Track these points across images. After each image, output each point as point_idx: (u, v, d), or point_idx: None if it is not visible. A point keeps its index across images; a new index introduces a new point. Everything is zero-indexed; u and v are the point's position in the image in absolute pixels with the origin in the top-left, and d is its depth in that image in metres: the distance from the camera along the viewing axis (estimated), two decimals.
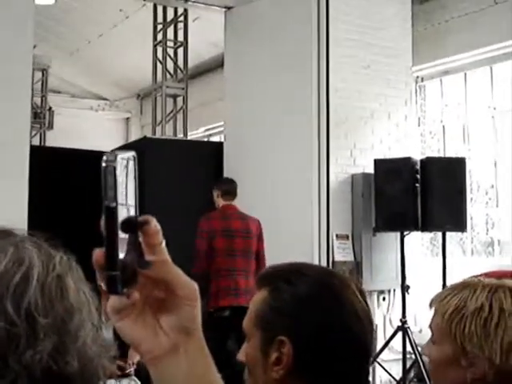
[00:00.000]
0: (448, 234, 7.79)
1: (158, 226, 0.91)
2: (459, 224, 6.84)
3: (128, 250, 0.87)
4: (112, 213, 0.85)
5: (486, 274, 2.23)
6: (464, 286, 1.66)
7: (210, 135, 12.01)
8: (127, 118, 14.00)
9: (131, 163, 0.90)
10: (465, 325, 1.59)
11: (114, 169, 0.85)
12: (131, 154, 0.91)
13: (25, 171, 6.67)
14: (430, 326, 1.73)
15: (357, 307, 1.52)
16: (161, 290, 0.91)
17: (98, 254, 0.86)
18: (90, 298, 1.08)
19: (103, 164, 0.84)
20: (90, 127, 12.86)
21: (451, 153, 8.46)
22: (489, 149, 7.88)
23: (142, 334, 0.92)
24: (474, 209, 8.26)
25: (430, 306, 1.73)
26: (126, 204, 0.88)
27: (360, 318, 1.52)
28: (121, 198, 0.86)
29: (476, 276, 1.82)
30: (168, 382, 0.93)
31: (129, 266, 0.87)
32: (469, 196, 8.23)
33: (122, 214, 0.86)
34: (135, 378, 5.31)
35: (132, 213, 0.89)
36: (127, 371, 5.30)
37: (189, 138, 10.39)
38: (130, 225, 0.88)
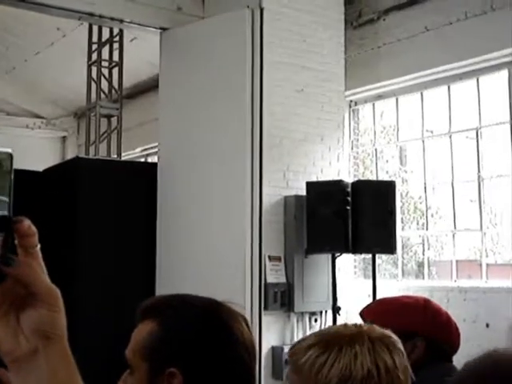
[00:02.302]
0: (384, 255, 7.93)
1: (34, 229, 0.93)
2: (388, 246, 6.94)
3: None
4: None
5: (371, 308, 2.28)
6: (339, 348, 1.55)
7: (148, 155, 11.97)
8: (64, 137, 13.85)
9: (7, 162, 0.93)
10: None
11: None
12: (6, 152, 0.94)
13: None
14: None
15: (245, 337, 1.52)
16: (21, 291, 0.91)
17: None
18: None
19: None
20: (25, 145, 12.66)
21: (386, 175, 8.61)
22: (424, 171, 8.02)
23: (2, 335, 0.91)
24: (410, 230, 8.40)
25: (292, 365, 1.62)
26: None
27: (247, 347, 1.52)
28: None
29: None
30: None
31: None
32: (405, 218, 8.37)
33: None
34: None
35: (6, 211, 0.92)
36: None
37: (125, 157, 10.34)
38: (2, 222, 0.90)
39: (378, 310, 2.03)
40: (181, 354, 1.45)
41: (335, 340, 1.58)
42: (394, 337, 1.63)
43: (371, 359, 1.52)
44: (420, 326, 2.24)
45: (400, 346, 1.62)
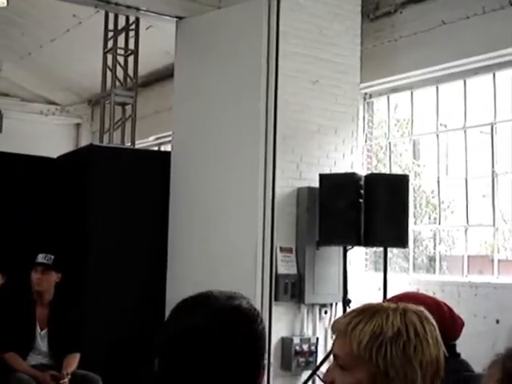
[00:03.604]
0: (395, 249, 7.92)
1: None
2: (401, 240, 6.92)
3: None
4: None
5: (395, 297, 2.28)
6: (373, 311, 1.71)
7: (161, 144, 11.98)
8: (78, 124, 13.88)
9: None
10: (385, 350, 1.64)
11: None
12: None
13: None
14: (335, 353, 1.76)
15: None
16: None
17: None
18: None
19: None
20: (40, 132, 12.73)
21: (399, 169, 8.59)
22: (438, 165, 7.99)
23: None
24: (422, 225, 8.38)
25: (334, 331, 1.77)
26: None
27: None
28: None
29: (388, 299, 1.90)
30: None
31: None
32: (417, 212, 8.35)
33: None
34: None
35: None
36: (61, 382, 5.26)
37: (139, 146, 10.35)
38: None
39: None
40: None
41: (371, 308, 1.75)
42: (427, 313, 1.75)
43: (401, 320, 1.67)
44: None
45: (432, 320, 1.73)
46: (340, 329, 1.73)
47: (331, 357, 1.79)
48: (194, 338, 1.59)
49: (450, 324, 2.34)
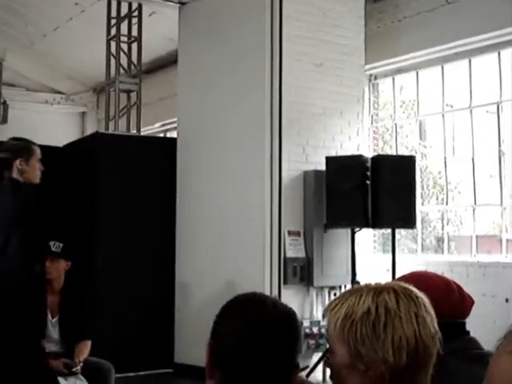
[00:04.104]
0: (403, 230, 7.91)
1: None
2: (408, 221, 6.92)
3: None
4: None
5: (403, 277, 2.29)
6: (351, 292, 1.74)
7: (167, 130, 11.97)
8: (83, 113, 13.89)
9: None
10: (355, 329, 1.66)
11: None
12: None
13: None
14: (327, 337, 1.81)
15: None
16: None
17: None
18: None
19: None
20: (45, 121, 12.73)
21: (406, 150, 8.57)
22: (445, 146, 7.97)
23: None
24: (429, 205, 8.38)
25: (323, 316, 1.82)
26: None
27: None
28: None
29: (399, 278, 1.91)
30: None
31: None
32: (424, 193, 8.35)
33: None
34: (81, 377, 5.29)
35: None
36: (74, 369, 5.28)
37: (144, 133, 10.35)
38: None
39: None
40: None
41: (350, 291, 1.78)
42: (418, 293, 1.74)
43: (373, 299, 1.68)
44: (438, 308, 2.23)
45: (423, 301, 1.72)
46: (325, 310, 1.78)
47: None
48: (256, 340, 1.70)
49: (460, 302, 2.35)
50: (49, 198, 8.18)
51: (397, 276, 6.62)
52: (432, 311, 1.72)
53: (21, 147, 4.82)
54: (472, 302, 2.39)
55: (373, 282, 1.79)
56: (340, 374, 1.72)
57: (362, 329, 1.65)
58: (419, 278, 2.30)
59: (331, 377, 1.79)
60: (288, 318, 1.78)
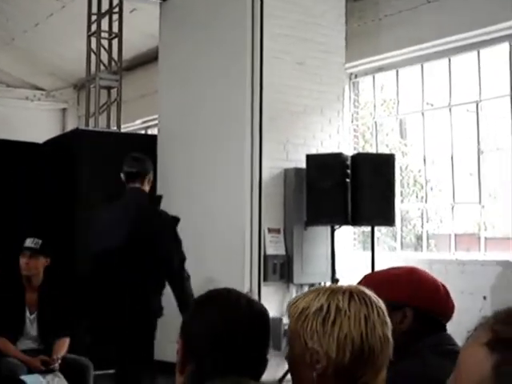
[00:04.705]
0: (383, 228, 7.94)
1: None
2: (388, 218, 6.96)
3: None
4: None
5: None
6: (312, 290, 1.85)
7: (148, 127, 11.95)
8: (64, 109, 13.82)
9: None
10: (307, 324, 1.75)
11: None
12: None
13: None
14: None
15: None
16: None
17: None
18: None
19: None
20: (26, 117, 12.67)
21: (386, 148, 8.60)
22: (424, 144, 8.01)
23: None
24: (409, 203, 8.42)
25: (287, 311, 1.89)
26: None
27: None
28: None
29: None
30: None
31: None
32: (404, 191, 8.39)
33: None
34: (59, 374, 5.28)
35: None
36: (52, 366, 5.26)
37: (125, 130, 10.33)
38: None
39: (364, 285, 2.06)
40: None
41: (311, 290, 1.87)
42: (375, 298, 1.81)
43: (327, 298, 1.77)
44: (406, 295, 2.27)
45: (378, 306, 1.79)
46: (288, 306, 1.87)
47: None
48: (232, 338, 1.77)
49: (444, 302, 2.39)
50: (28, 194, 8.15)
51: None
52: (387, 318, 1.79)
53: None
54: (453, 308, 2.43)
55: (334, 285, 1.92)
56: (294, 366, 1.82)
57: (313, 324, 1.74)
58: (410, 272, 2.36)
59: (289, 369, 1.87)
60: (262, 314, 1.90)
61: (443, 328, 2.39)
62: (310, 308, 1.76)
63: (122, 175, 5.33)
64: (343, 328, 1.72)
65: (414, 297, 2.29)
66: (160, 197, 5.51)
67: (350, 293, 1.78)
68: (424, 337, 2.25)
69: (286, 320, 7.25)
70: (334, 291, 1.79)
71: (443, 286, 2.42)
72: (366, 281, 2.25)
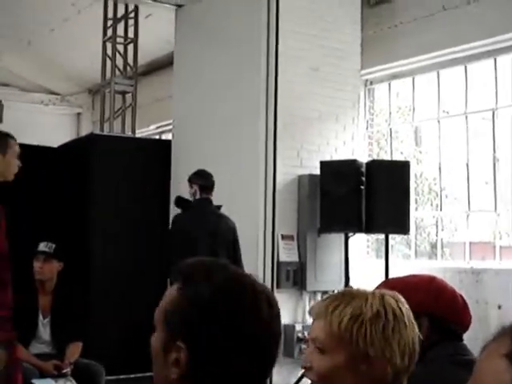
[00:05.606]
0: (397, 235, 7.89)
1: None
2: (402, 226, 6.91)
3: None
4: None
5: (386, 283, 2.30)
6: (352, 295, 1.77)
7: (162, 132, 11.95)
8: (78, 113, 13.87)
9: None
10: (365, 330, 1.69)
11: None
12: None
13: None
14: (313, 336, 1.80)
15: (264, 317, 1.50)
16: None
17: None
18: None
19: None
20: (40, 122, 12.71)
21: (401, 156, 8.55)
22: (440, 152, 7.96)
23: None
24: (424, 211, 8.36)
25: (312, 314, 1.83)
26: None
27: (265, 329, 1.50)
28: None
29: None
30: None
31: None
32: (418, 198, 8.33)
33: None
34: (71, 378, 5.27)
35: None
36: (64, 371, 5.26)
37: (139, 135, 10.33)
38: None
39: None
40: (189, 330, 1.44)
41: (350, 293, 1.81)
42: (401, 297, 1.81)
43: (380, 303, 1.73)
44: (423, 304, 2.24)
45: (406, 304, 1.79)
46: (319, 311, 1.78)
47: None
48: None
49: (462, 311, 2.37)
50: (42, 197, 8.17)
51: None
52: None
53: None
54: (471, 319, 2.41)
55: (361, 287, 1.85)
56: (332, 376, 1.73)
57: (372, 330, 1.69)
58: (428, 280, 2.34)
59: (314, 382, 1.80)
60: (279, 316, 1.61)
61: (459, 338, 2.36)
62: (365, 313, 1.71)
63: (193, 186, 6.46)
64: (402, 334, 1.71)
65: (432, 305, 2.27)
66: (221, 206, 6.59)
67: (394, 298, 1.77)
68: (440, 346, 2.23)
69: (298, 327, 7.23)
70: (381, 296, 1.76)
71: (461, 296, 2.40)
72: (385, 287, 2.22)
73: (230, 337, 1.45)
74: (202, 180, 6.45)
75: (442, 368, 2.16)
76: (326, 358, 1.74)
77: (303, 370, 1.87)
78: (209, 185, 6.46)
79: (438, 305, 2.29)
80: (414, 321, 1.77)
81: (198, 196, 6.42)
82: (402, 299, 1.79)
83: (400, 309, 1.74)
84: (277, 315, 1.57)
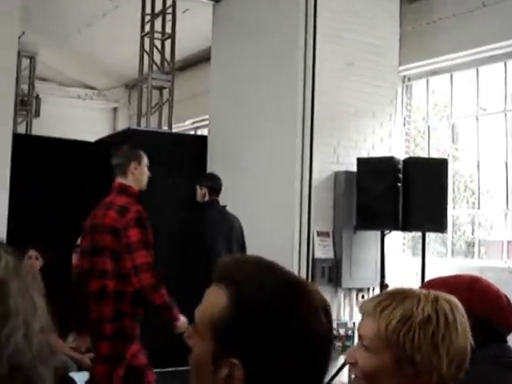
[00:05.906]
0: (432, 233, 7.83)
1: None
2: (439, 224, 6.85)
3: None
4: None
5: (429, 283, 2.27)
6: (404, 295, 1.71)
7: (198, 128, 11.99)
8: (115, 108, 13.96)
9: None
10: (413, 335, 1.64)
11: None
12: None
13: (7, 159, 6.66)
14: (361, 333, 1.76)
15: (323, 329, 1.36)
16: None
17: None
18: (37, 304, 1.08)
19: None
20: (77, 116, 12.82)
21: (437, 153, 8.48)
22: (477, 149, 7.88)
23: None
24: (460, 209, 8.29)
25: (362, 311, 1.77)
26: None
27: (323, 342, 1.37)
28: None
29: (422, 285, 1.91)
30: None
31: None
32: (455, 196, 8.26)
33: None
34: None
35: None
36: None
37: (175, 130, 10.37)
38: None
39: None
40: (243, 343, 1.28)
41: (402, 292, 1.74)
42: (457, 302, 1.74)
43: (432, 307, 1.66)
44: (467, 305, 2.21)
45: (462, 310, 1.73)
46: (369, 309, 1.73)
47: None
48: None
49: (508, 311, 2.34)
50: (81, 192, 8.23)
51: (426, 280, 6.56)
52: None
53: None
54: None
55: (409, 287, 1.79)
56: (377, 376, 1.69)
57: (420, 335, 1.64)
58: (472, 280, 2.32)
59: (358, 378, 1.76)
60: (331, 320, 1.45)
61: (504, 339, 2.33)
62: (415, 317, 1.65)
63: (203, 188, 6.72)
64: (453, 342, 1.66)
65: (476, 306, 2.24)
66: (226, 206, 6.89)
67: (448, 302, 1.71)
68: (484, 348, 2.20)
69: (333, 324, 7.23)
70: (435, 299, 1.70)
71: (506, 296, 2.37)
72: (429, 286, 2.20)
73: (289, 347, 1.30)
74: (211, 182, 6.77)
75: (487, 370, 2.13)
76: (371, 356, 1.70)
77: (343, 363, 1.83)
78: (217, 187, 6.76)
79: (482, 305, 2.26)
80: (467, 329, 1.71)
81: (207, 198, 6.71)
82: (459, 305, 1.73)
83: (454, 315, 1.68)
84: (331, 320, 1.41)
